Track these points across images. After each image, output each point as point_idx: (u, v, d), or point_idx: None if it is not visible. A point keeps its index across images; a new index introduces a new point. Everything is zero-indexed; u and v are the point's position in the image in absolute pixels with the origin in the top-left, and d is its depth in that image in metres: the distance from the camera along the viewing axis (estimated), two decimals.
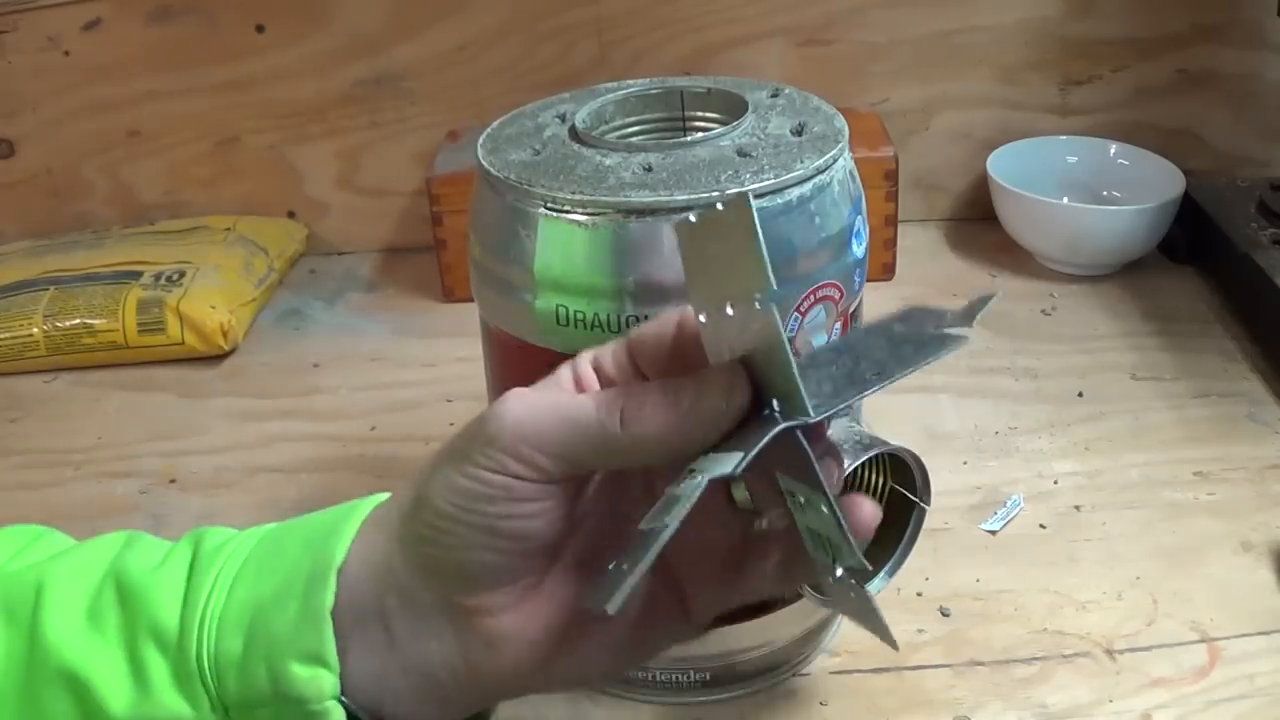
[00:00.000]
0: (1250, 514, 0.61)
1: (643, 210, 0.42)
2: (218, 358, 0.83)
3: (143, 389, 0.81)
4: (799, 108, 0.50)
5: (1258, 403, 0.71)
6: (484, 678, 0.34)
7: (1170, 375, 0.74)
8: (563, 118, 0.50)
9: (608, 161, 0.46)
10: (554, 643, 0.34)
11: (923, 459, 0.47)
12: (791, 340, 0.31)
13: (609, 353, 0.35)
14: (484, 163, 0.47)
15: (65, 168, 0.96)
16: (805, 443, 0.31)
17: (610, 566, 0.30)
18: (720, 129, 0.47)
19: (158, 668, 0.34)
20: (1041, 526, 0.62)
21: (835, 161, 0.46)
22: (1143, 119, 0.93)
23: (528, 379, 0.35)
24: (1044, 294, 0.84)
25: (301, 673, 0.33)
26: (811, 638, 0.54)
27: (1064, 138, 0.92)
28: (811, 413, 0.31)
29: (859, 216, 0.47)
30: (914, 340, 0.33)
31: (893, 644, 0.30)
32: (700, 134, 0.48)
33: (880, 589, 0.47)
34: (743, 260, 0.29)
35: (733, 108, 0.50)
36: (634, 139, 0.50)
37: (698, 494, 0.29)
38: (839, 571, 0.30)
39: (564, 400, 0.32)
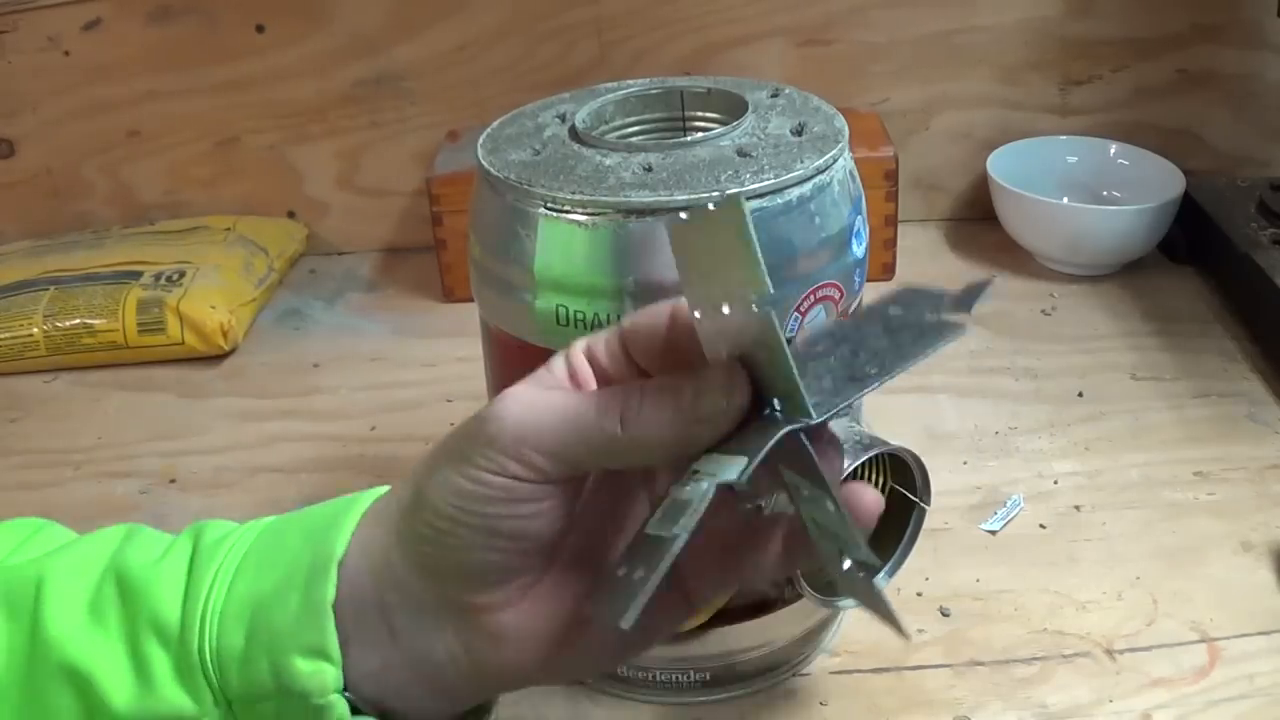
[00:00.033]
0: (1250, 514, 0.61)
1: (643, 210, 0.43)
2: (218, 358, 0.83)
3: (143, 389, 0.81)
4: (799, 108, 0.50)
5: (1258, 403, 0.71)
6: (487, 671, 0.35)
7: (1170, 375, 0.74)
8: (563, 118, 0.50)
9: (608, 161, 0.46)
10: (556, 636, 0.34)
11: (923, 459, 0.47)
12: (791, 340, 0.31)
13: (602, 343, 0.34)
14: (484, 163, 0.47)
15: (65, 168, 0.96)
16: (808, 442, 0.31)
17: (620, 573, 0.30)
18: (720, 129, 0.47)
19: (160, 662, 0.34)
20: (1041, 526, 0.62)
21: (835, 161, 0.46)
22: (1143, 119, 0.93)
23: None
24: (1044, 294, 0.84)
25: (304, 667, 0.33)
26: (811, 638, 0.54)
27: (1064, 138, 0.92)
28: (814, 414, 0.31)
29: (859, 216, 0.47)
30: (911, 328, 0.33)
31: (903, 633, 0.29)
32: (700, 134, 0.48)
33: (880, 589, 0.47)
34: (737, 262, 0.29)
35: (733, 108, 0.50)
36: (634, 139, 0.50)
37: (706, 502, 0.29)
38: (846, 564, 0.30)
39: (563, 401, 0.32)
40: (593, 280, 0.44)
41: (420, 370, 0.80)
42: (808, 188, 0.44)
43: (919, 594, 0.58)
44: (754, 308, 0.29)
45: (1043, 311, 0.83)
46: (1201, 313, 0.81)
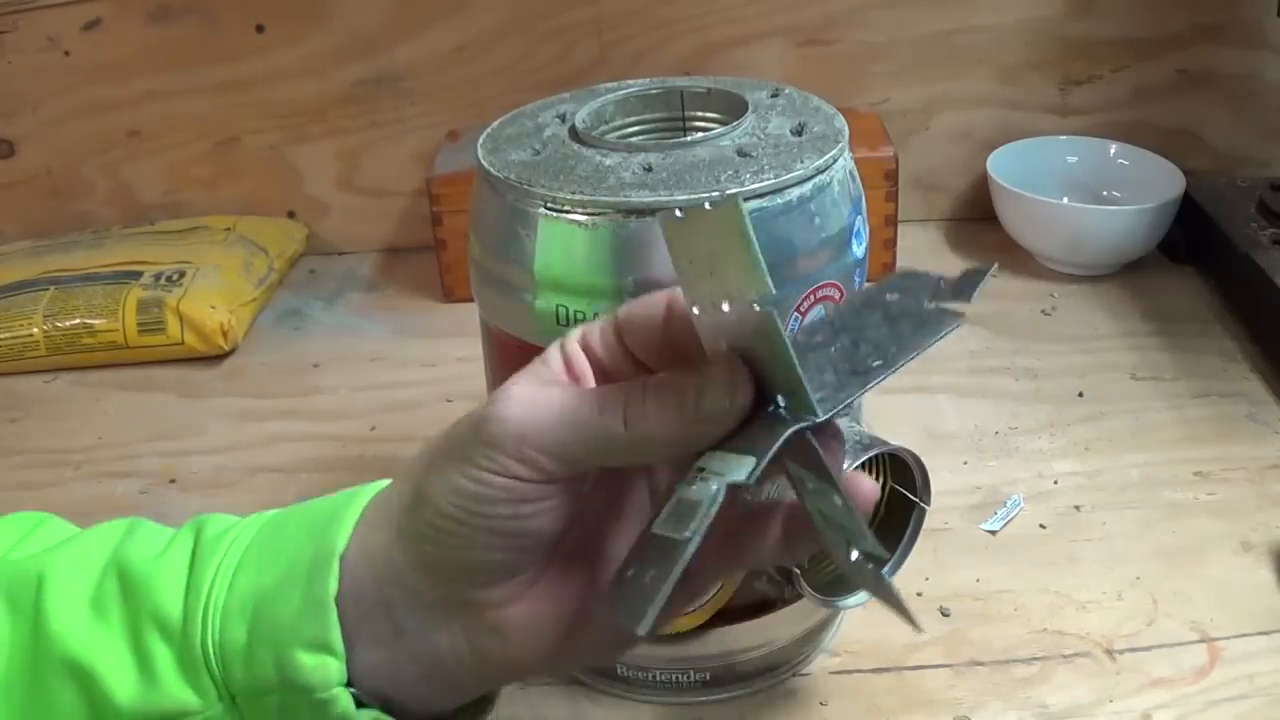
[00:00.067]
0: (1250, 514, 0.61)
1: (643, 210, 0.43)
2: (218, 358, 0.83)
3: (143, 389, 0.81)
4: (799, 108, 0.50)
5: (1258, 403, 0.71)
6: (492, 665, 0.35)
7: (1170, 375, 0.74)
8: (563, 118, 0.50)
9: (608, 161, 0.46)
10: (560, 629, 0.34)
11: (923, 459, 0.47)
12: (792, 338, 0.31)
13: (597, 333, 0.34)
14: (484, 163, 0.47)
15: (65, 168, 0.96)
16: (814, 439, 0.31)
17: (629, 573, 0.30)
18: (720, 129, 0.47)
19: (163, 657, 0.34)
20: (1041, 526, 0.62)
21: (835, 161, 0.46)
22: (1143, 119, 0.93)
23: None
24: (1044, 294, 0.84)
25: (308, 661, 0.33)
26: (811, 638, 0.54)
27: (1064, 138, 0.92)
28: (819, 412, 0.30)
29: (859, 216, 0.47)
30: (911, 316, 0.32)
31: (914, 623, 0.29)
32: (700, 134, 0.48)
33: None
34: (737, 262, 0.29)
35: (733, 108, 0.50)
36: (634, 139, 0.50)
37: (717, 505, 0.29)
38: (854, 555, 0.30)
39: (565, 400, 0.32)
40: (593, 280, 0.44)
41: (420, 370, 0.80)
42: (808, 188, 0.44)
43: (919, 594, 0.58)
44: (755, 307, 0.29)
45: (1043, 311, 0.83)
46: (1201, 313, 0.81)
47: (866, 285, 0.48)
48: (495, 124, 0.51)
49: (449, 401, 0.75)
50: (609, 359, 0.34)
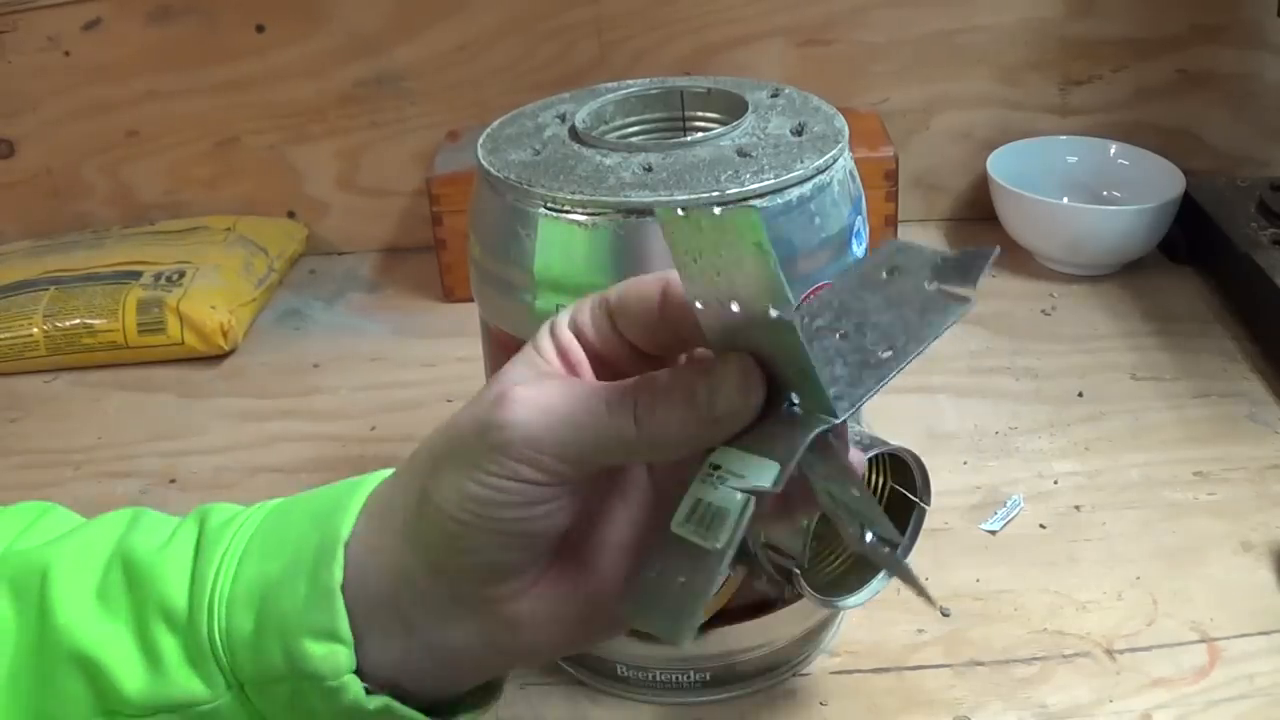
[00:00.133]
0: (1250, 514, 0.61)
1: (643, 210, 0.42)
2: (218, 358, 0.83)
3: (143, 389, 0.81)
4: (799, 108, 0.50)
5: (1258, 403, 0.71)
6: (506, 654, 0.35)
7: (1170, 375, 0.74)
8: (563, 118, 0.50)
9: (608, 161, 0.46)
10: (572, 615, 0.34)
11: (923, 459, 0.47)
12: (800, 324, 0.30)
13: (588, 317, 0.34)
14: (484, 163, 0.47)
15: (65, 168, 0.96)
16: (830, 437, 0.30)
17: (653, 574, 0.30)
18: (720, 129, 0.47)
19: (169, 647, 0.34)
20: (1041, 526, 0.62)
21: (835, 161, 0.46)
22: (1143, 119, 0.93)
23: None
24: (1044, 294, 0.84)
25: (316, 649, 0.33)
26: (811, 638, 0.54)
27: (1064, 138, 0.92)
28: (838, 413, 0.30)
29: (859, 216, 0.47)
30: (914, 299, 0.32)
31: (932, 602, 0.29)
32: (700, 134, 0.48)
33: (880, 589, 0.47)
34: (751, 272, 0.28)
35: (733, 108, 0.50)
36: (634, 139, 0.50)
37: (748, 516, 0.29)
38: (869, 537, 0.30)
39: (573, 401, 0.31)
40: (593, 280, 0.44)
41: (420, 370, 0.80)
42: (808, 188, 0.44)
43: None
44: (772, 313, 0.28)
45: (1043, 311, 0.83)
46: (1201, 313, 0.81)
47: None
48: (495, 124, 0.51)
49: (449, 401, 0.75)
50: (602, 344, 0.34)
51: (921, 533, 0.48)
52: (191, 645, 0.34)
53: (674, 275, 0.31)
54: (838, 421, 0.30)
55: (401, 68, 0.92)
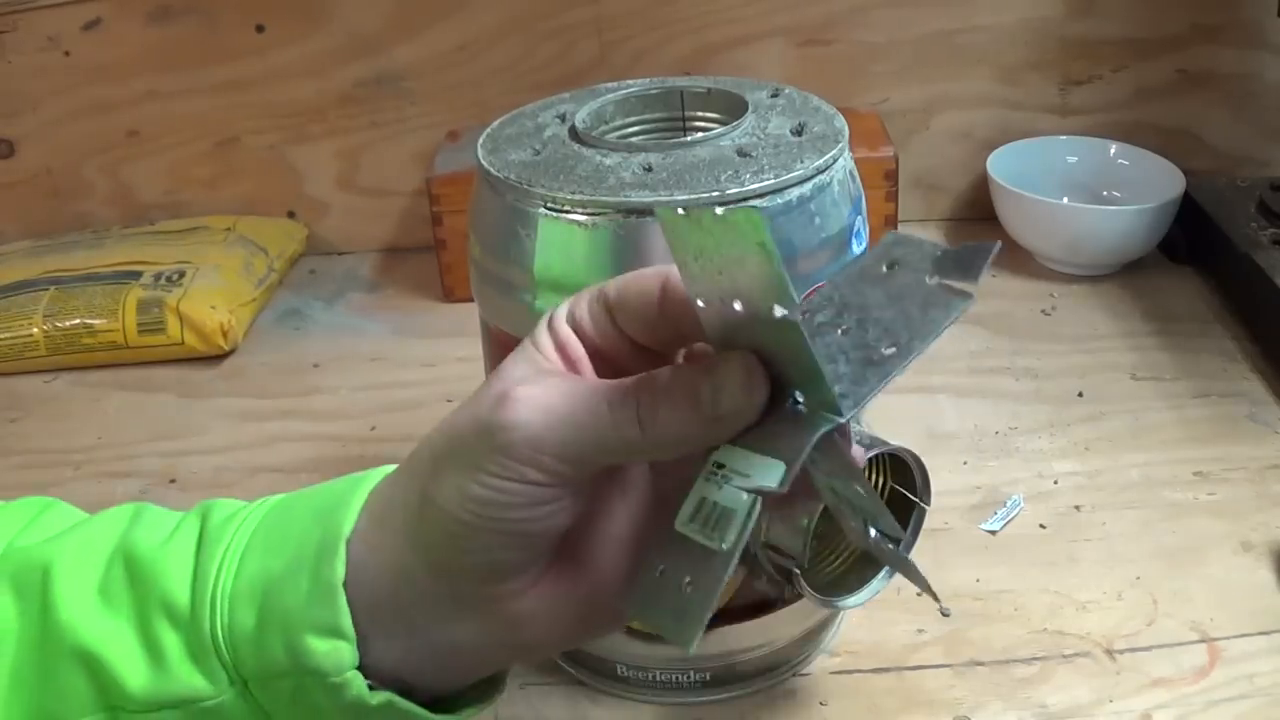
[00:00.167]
0: (1250, 514, 0.61)
1: (643, 210, 0.42)
2: (218, 358, 0.83)
3: (143, 389, 0.81)
4: (799, 108, 0.50)
5: (1258, 403, 0.71)
6: (509, 650, 0.35)
7: (1170, 375, 0.74)
8: (563, 118, 0.50)
9: (608, 161, 0.46)
10: (574, 610, 0.34)
11: (923, 459, 0.47)
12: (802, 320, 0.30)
13: (586, 311, 0.34)
14: (484, 163, 0.47)
15: (65, 168, 0.96)
16: (835, 436, 0.30)
17: (658, 573, 0.30)
18: (720, 129, 0.47)
19: (171, 644, 0.34)
20: (1041, 526, 0.62)
21: (835, 161, 0.46)
22: (1143, 119, 0.93)
23: None
24: (1044, 294, 0.84)
25: (319, 645, 0.33)
26: (811, 638, 0.54)
27: (1064, 138, 0.92)
28: (843, 412, 0.30)
29: (859, 216, 0.47)
30: (915, 294, 0.31)
31: (936, 597, 0.29)
32: (700, 134, 0.48)
33: (880, 589, 0.47)
34: (755, 273, 0.28)
35: (733, 108, 0.50)
36: (634, 139, 0.50)
37: (754, 517, 0.29)
38: (873, 533, 0.30)
39: (575, 401, 0.31)
40: (593, 280, 0.43)
41: (420, 370, 0.80)
42: (808, 188, 0.44)
43: (919, 594, 0.57)
44: (776, 313, 0.28)
45: (1043, 311, 0.83)
46: (1201, 313, 0.81)
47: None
48: (495, 124, 0.51)
49: (449, 401, 0.75)
50: (601, 339, 0.34)
51: (921, 533, 0.48)
52: (194, 641, 0.34)
53: (673, 270, 0.31)
54: (843, 420, 0.30)
55: (401, 68, 0.92)
